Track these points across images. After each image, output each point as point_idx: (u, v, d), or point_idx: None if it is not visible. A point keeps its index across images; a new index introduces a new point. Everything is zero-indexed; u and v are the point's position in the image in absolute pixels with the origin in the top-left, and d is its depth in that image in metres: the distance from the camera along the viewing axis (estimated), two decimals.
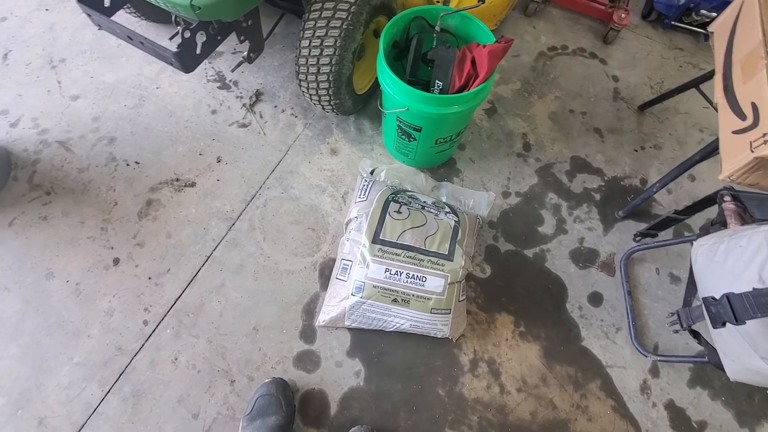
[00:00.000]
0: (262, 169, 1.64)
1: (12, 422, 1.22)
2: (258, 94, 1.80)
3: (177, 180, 1.59)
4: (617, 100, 1.94)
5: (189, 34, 1.33)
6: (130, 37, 1.36)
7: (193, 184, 1.59)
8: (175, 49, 1.29)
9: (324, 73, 1.41)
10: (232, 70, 1.68)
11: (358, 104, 1.70)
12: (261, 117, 1.75)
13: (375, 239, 1.36)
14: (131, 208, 1.53)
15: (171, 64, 1.37)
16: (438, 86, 1.35)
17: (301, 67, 1.44)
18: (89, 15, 1.40)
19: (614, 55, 2.08)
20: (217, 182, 1.60)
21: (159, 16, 1.87)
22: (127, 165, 1.61)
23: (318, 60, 1.39)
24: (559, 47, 2.07)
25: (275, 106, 1.78)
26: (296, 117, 1.76)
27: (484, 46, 1.25)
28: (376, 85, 1.76)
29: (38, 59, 1.80)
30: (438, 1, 1.74)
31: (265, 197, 1.59)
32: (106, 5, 1.46)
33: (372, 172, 1.60)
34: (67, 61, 1.80)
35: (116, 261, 1.45)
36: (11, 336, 1.33)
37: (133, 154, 1.63)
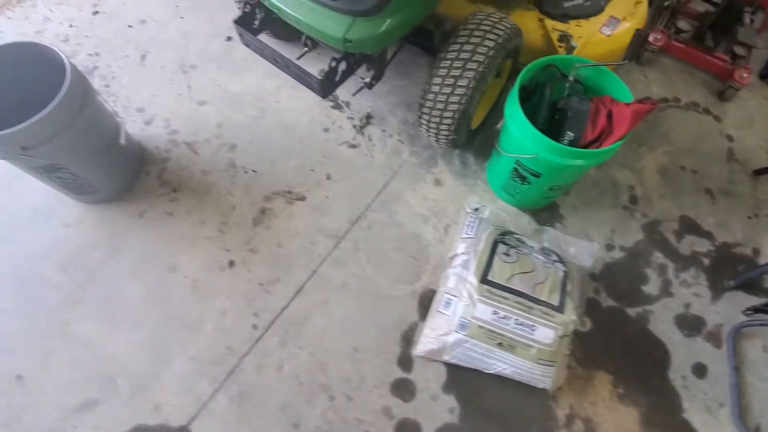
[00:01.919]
0: (368, 191, 1.70)
1: (131, 404, 1.32)
2: (368, 117, 1.87)
3: (289, 192, 1.68)
4: (731, 161, 1.87)
5: (334, 64, 1.41)
6: (276, 60, 1.46)
7: (303, 198, 1.67)
8: (320, 77, 1.37)
9: (451, 110, 1.45)
10: (353, 95, 1.76)
11: (470, 139, 1.73)
12: (370, 140, 1.81)
13: (483, 279, 1.37)
14: (247, 214, 1.63)
15: (311, 88, 1.45)
16: (569, 137, 1.35)
17: (428, 102, 1.48)
18: (241, 35, 1.51)
19: (730, 113, 2.00)
20: (325, 199, 1.68)
21: (289, 37, 1.96)
22: (245, 172, 1.71)
23: (447, 98, 1.43)
24: (671, 99, 2.02)
25: (383, 130, 1.84)
26: (403, 143, 1.81)
27: (627, 105, 1.25)
28: (485, 121, 1.78)
29: (172, 63, 1.95)
30: (560, 46, 1.74)
31: (370, 219, 1.65)
32: (254, 26, 1.57)
33: (476, 209, 1.62)
34: (197, 67, 1.95)
35: (231, 263, 1.54)
36: (134, 322, 1.44)
37: (251, 162, 1.73)
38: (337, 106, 1.89)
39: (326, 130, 1.83)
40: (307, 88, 1.46)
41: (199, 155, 1.74)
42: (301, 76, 1.42)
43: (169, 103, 1.85)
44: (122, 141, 1.51)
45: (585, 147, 1.35)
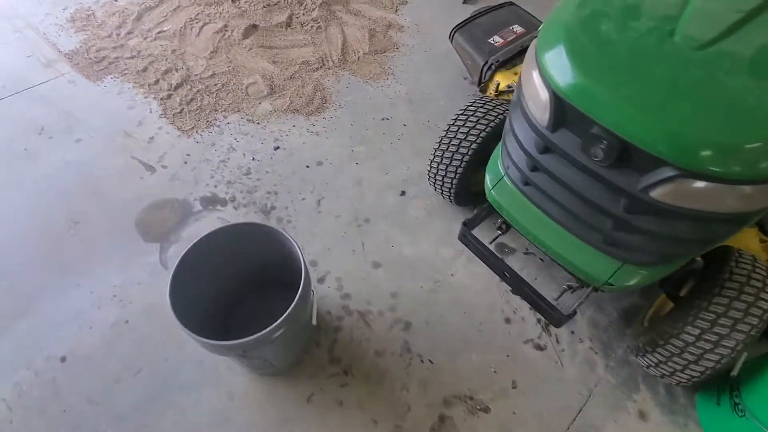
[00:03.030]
0: (562, 413, 1.47)
1: None
2: None
3: (471, 398, 1.48)
4: None
5: (575, 295, 1.28)
6: (506, 274, 1.35)
7: (487, 410, 1.47)
8: (568, 312, 1.23)
9: (704, 365, 1.23)
10: (557, 299, 1.61)
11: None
12: (557, 342, 1.62)
13: None
14: (424, 420, 1.44)
15: (545, 315, 1.31)
16: None
17: (673, 345, 1.27)
18: (465, 237, 1.43)
19: None
20: (512, 415, 1.46)
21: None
22: (422, 361, 1.55)
23: (703, 353, 1.21)
24: None
25: (572, 332, 1.65)
26: (596, 353, 1.61)
27: None
28: None
29: (346, 213, 1.93)
30: None
31: None
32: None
33: None
34: (371, 222, 1.91)
35: None
36: None
37: (428, 349, 1.58)
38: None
39: (508, 320, 1.66)
40: (541, 314, 1.32)
41: (372, 330, 1.61)
42: (536, 302, 1.28)
43: (342, 261, 1.78)
44: (314, 322, 1.41)
45: None
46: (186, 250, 1.27)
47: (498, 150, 1.36)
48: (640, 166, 0.89)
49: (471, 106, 1.69)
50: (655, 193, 0.89)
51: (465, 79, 2.54)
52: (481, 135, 1.61)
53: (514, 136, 1.13)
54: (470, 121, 1.64)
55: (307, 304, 1.27)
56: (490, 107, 1.67)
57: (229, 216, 1.89)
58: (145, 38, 2.67)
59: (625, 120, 0.85)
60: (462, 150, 1.63)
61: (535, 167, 1.10)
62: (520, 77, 1.15)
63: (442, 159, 1.68)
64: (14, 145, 2.08)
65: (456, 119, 1.67)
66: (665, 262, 1.11)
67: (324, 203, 1.95)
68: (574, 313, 1.23)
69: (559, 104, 0.94)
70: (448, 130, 1.67)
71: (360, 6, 3.00)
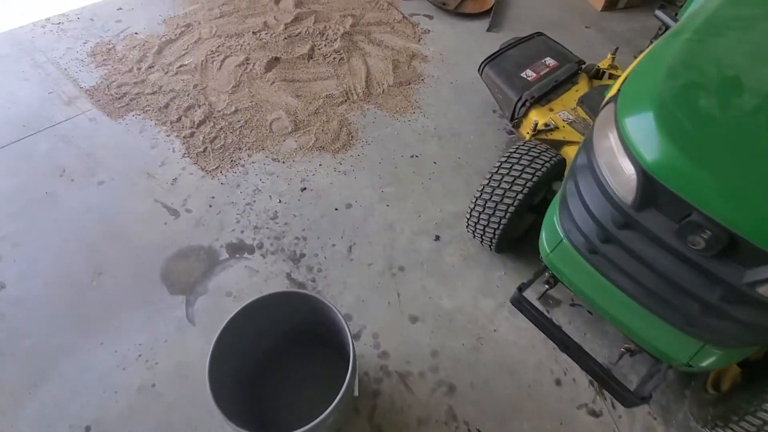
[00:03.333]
0: None
1: None
2: None
3: None
4: None
5: (654, 375, 1.17)
6: (568, 347, 1.24)
7: None
8: (643, 396, 1.12)
9: None
10: (615, 363, 1.51)
11: None
12: (613, 407, 1.50)
13: None
14: None
15: (614, 394, 1.20)
16: None
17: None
18: (520, 310, 1.34)
19: None
20: None
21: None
22: (469, 431, 1.45)
23: None
24: None
25: None
26: (655, 419, 1.49)
27: None
28: None
29: (379, 261, 1.84)
30: None
31: None
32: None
33: None
34: (405, 270, 1.81)
35: None
36: None
37: (475, 416, 1.47)
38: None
39: (558, 382, 1.55)
40: (607, 391, 1.22)
41: (414, 394, 1.51)
42: (603, 378, 1.18)
43: (378, 314, 1.69)
44: (356, 393, 1.31)
45: None
46: (222, 327, 1.19)
47: (554, 207, 1.27)
48: (748, 259, 0.79)
49: (515, 152, 1.60)
50: (764, 290, 0.79)
51: (494, 112, 2.46)
52: (527, 185, 1.52)
53: (582, 201, 1.04)
54: (515, 169, 1.55)
55: (354, 381, 1.18)
56: (536, 154, 1.58)
57: (257, 264, 1.80)
58: (166, 72, 2.63)
59: (735, 211, 0.76)
60: (507, 200, 1.54)
61: (608, 239, 1.01)
62: (589, 138, 1.06)
63: (484, 208, 1.59)
64: (36, 189, 2.02)
65: (499, 167, 1.59)
66: (752, 345, 1.01)
67: (355, 250, 1.86)
68: (650, 396, 1.13)
69: (649, 183, 0.85)
70: (490, 178, 1.58)
71: (382, 36, 2.95)
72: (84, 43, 2.82)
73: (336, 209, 1.99)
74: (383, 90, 2.57)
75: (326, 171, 2.14)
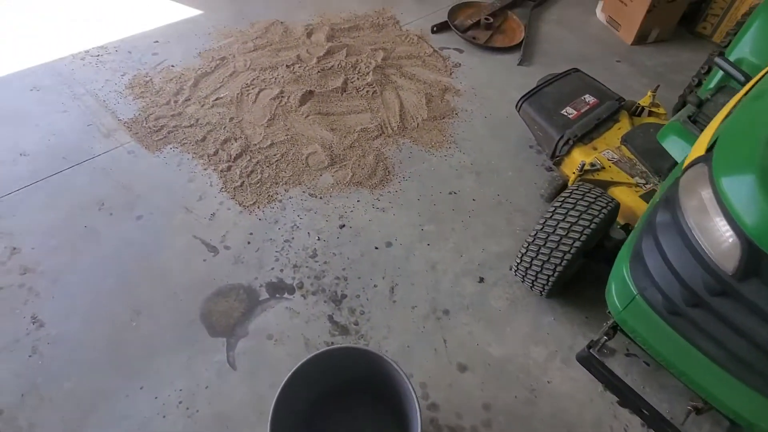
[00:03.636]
0: None
1: None
2: None
3: None
4: None
5: None
6: (644, 411, 1.17)
7: None
8: None
9: None
10: (682, 423, 1.42)
11: None
12: None
13: None
14: None
15: None
16: None
17: None
18: (589, 369, 1.27)
19: None
20: None
21: None
22: None
23: None
24: None
25: None
26: None
27: None
28: None
29: (423, 303, 1.79)
30: None
31: None
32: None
33: None
34: (450, 314, 1.76)
35: None
36: None
37: None
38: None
39: None
40: None
41: None
42: None
43: (425, 362, 1.62)
44: None
45: None
46: (278, 393, 1.13)
47: (624, 260, 1.21)
48: None
49: (569, 197, 1.56)
50: None
51: (531, 147, 2.44)
52: (584, 232, 1.48)
53: (665, 261, 0.99)
54: (571, 215, 1.51)
55: None
56: (591, 199, 1.54)
57: (298, 305, 1.76)
58: (202, 105, 2.66)
59: None
60: (563, 247, 1.49)
61: (696, 304, 0.95)
62: (673, 196, 1.01)
63: (537, 254, 1.54)
64: (75, 223, 2.02)
65: (554, 212, 1.54)
66: None
67: (398, 291, 1.81)
68: None
69: (755, 254, 0.80)
70: (544, 224, 1.54)
71: (414, 69, 2.98)
72: (122, 75, 2.88)
73: (376, 248, 1.96)
74: (418, 124, 2.57)
75: (364, 207, 2.11)
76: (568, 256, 1.49)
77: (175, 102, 2.67)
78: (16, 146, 2.38)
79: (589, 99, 2.25)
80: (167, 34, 3.26)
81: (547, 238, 1.52)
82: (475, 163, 2.34)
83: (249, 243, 1.96)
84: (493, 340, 1.68)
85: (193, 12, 3.50)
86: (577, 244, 1.47)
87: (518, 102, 2.29)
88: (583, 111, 2.20)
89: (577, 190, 1.58)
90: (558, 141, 2.09)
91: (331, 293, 1.80)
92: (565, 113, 2.19)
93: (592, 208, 1.51)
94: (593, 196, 1.56)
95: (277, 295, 1.79)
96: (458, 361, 1.62)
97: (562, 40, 3.29)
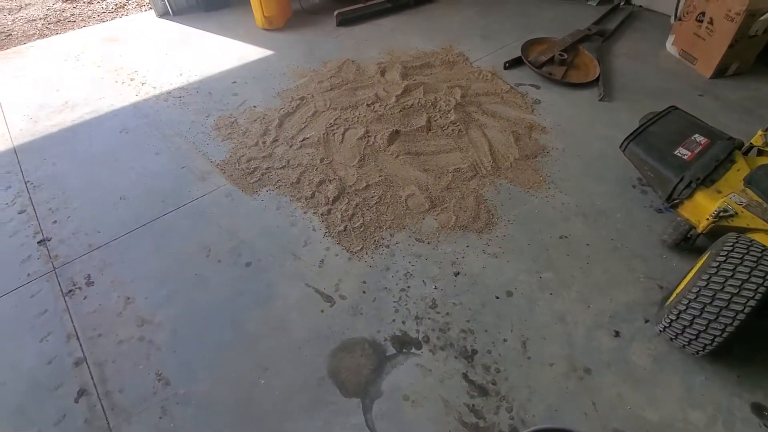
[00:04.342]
0: None
1: None
2: None
3: None
4: None
5: None
6: None
7: None
8: None
9: None
10: None
11: None
12: None
13: None
14: None
15: None
16: None
17: None
18: None
19: None
20: None
21: None
22: None
23: None
24: None
25: None
26: None
27: None
28: None
29: (560, 360, 1.69)
30: None
31: None
32: None
33: None
34: (593, 373, 1.65)
35: None
36: None
37: None
38: None
39: None
40: None
41: None
42: None
43: (577, 427, 1.52)
44: None
45: None
46: None
47: None
48: None
49: (732, 251, 1.47)
50: None
51: (634, 187, 2.36)
52: (758, 290, 1.38)
53: None
54: (740, 272, 1.42)
55: None
56: (757, 253, 1.45)
57: (428, 362, 1.68)
58: (290, 146, 2.67)
59: None
60: (735, 306, 1.39)
61: None
62: None
63: (701, 313, 1.45)
64: (185, 270, 1.99)
65: (718, 268, 1.45)
66: None
67: (530, 346, 1.72)
68: None
69: None
70: (709, 280, 1.45)
71: (494, 107, 2.96)
72: (207, 116, 2.92)
73: (497, 297, 1.88)
74: (510, 164, 2.53)
75: (475, 253, 2.05)
76: (741, 316, 1.39)
77: (263, 143, 2.69)
78: (115, 189, 2.41)
79: (700, 139, 2.18)
80: (243, 75, 3.33)
81: (713, 296, 1.43)
82: (579, 204, 2.27)
83: (364, 292, 1.90)
84: (645, 403, 1.56)
85: (265, 52, 3.58)
86: (752, 302, 1.37)
87: (624, 142, 2.23)
88: (696, 152, 2.13)
89: (738, 245, 1.49)
90: (677, 183, 2.01)
91: (461, 348, 1.72)
92: (679, 154, 2.12)
93: (763, 263, 1.42)
94: (757, 250, 1.47)
95: (405, 351, 1.71)
96: (613, 427, 1.51)
97: (636, 74, 3.25)
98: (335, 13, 3.98)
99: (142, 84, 3.25)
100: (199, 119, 2.89)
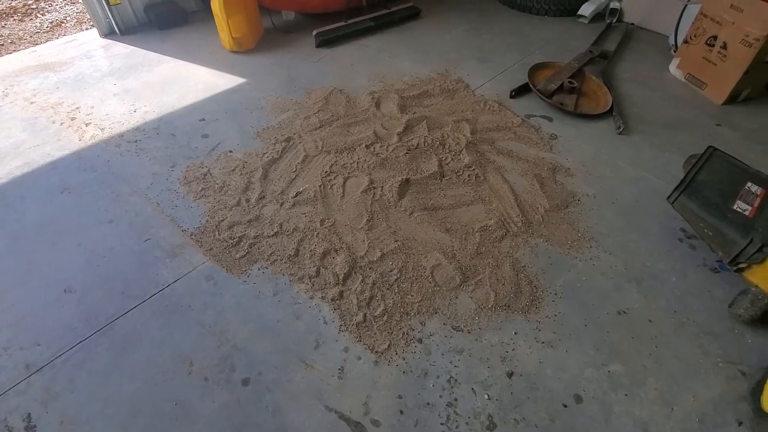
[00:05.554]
0: None
1: None
2: None
3: None
4: None
5: None
6: None
7: None
8: None
9: None
10: None
11: None
12: None
13: None
14: None
15: None
16: None
17: None
18: None
19: None
20: None
21: None
22: None
23: None
24: None
25: None
26: None
27: None
28: None
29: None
30: None
31: None
32: None
33: None
34: None
35: None
36: None
37: None
38: None
39: None
40: None
41: None
42: None
43: None
44: None
45: None
46: None
47: None
48: None
49: None
50: None
51: (680, 241, 2.11)
52: None
53: None
54: None
55: None
56: None
57: None
58: (281, 204, 2.20)
59: None
60: None
61: None
62: None
63: None
64: (162, 396, 1.50)
65: None
66: None
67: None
68: None
69: None
70: None
71: (509, 144, 2.64)
72: (171, 166, 2.40)
73: (565, 406, 1.53)
74: (542, 217, 2.20)
75: (526, 342, 1.70)
76: None
77: (247, 201, 2.21)
78: (58, 278, 1.85)
79: (756, 189, 1.95)
80: (213, 110, 2.82)
81: None
82: (628, 267, 1.98)
83: (402, 413, 1.50)
84: None
85: (237, 80, 3.08)
86: None
87: (673, 194, 1.97)
88: (756, 205, 1.89)
89: None
90: (746, 246, 1.77)
91: None
92: (739, 209, 1.87)
93: None
94: None
95: None
96: None
97: (647, 101, 3.04)
98: (314, 32, 3.53)
99: (86, 125, 2.67)
100: (162, 171, 2.36)
